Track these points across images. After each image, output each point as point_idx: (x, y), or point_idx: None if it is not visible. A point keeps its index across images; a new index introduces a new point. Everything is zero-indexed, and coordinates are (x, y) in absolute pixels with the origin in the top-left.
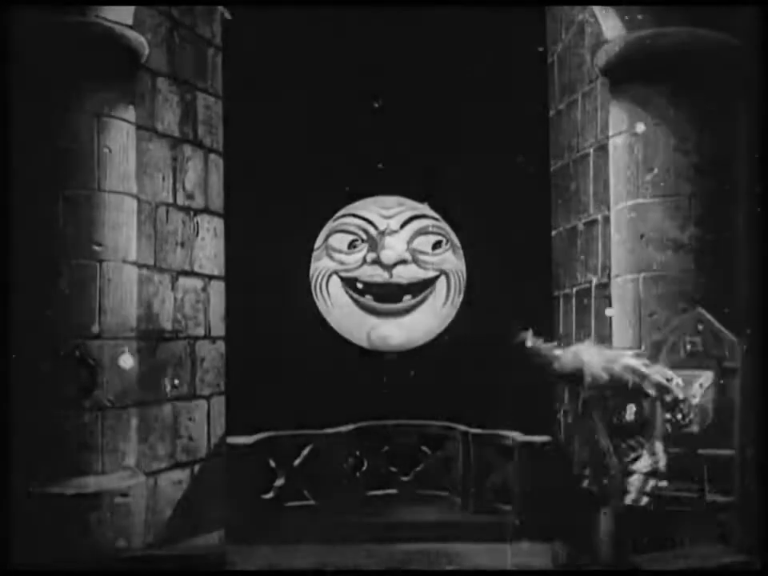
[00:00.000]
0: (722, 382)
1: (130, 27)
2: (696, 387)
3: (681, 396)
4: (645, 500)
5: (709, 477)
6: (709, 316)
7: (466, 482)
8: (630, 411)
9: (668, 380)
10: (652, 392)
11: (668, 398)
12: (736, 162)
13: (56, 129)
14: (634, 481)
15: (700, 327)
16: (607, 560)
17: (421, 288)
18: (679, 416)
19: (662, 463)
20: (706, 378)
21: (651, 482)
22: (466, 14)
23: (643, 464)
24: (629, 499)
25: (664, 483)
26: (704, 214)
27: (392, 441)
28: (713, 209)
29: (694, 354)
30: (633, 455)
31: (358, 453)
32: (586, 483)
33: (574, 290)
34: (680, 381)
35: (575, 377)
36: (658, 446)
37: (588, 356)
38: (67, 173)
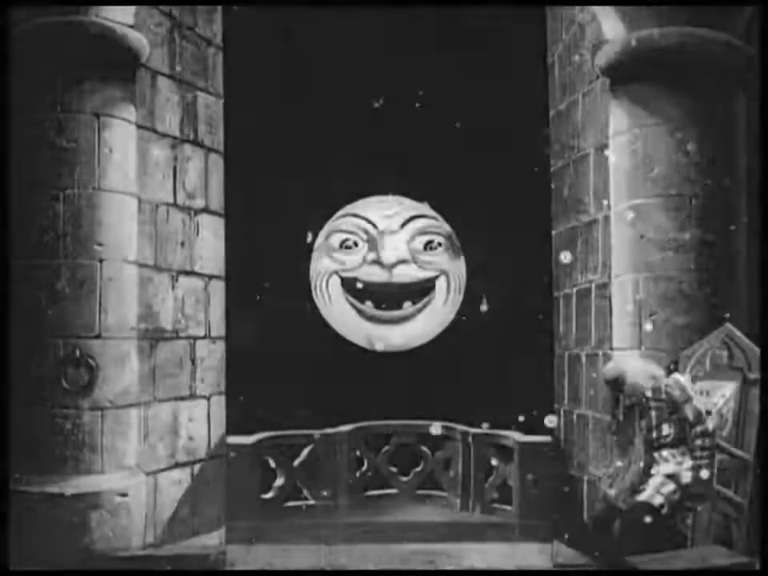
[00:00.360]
0: (743, 392)
1: (131, 27)
2: (718, 397)
3: (710, 429)
4: (659, 500)
5: (721, 479)
6: (738, 332)
7: (465, 482)
8: (669, 426)
9: (707, 412)
10: (690, 416)
11: (699, 428)
12: (736, 161)
13: (57, 128)
14: (653, 481)
15: (728, 343)
16: (607, 559)
17: (420, 292)
18: (699, 443)
19: (685, 477)
20: (729, 388)
21: (670, 486)
22: (467, 15)
23: (667, 468)
24: (644, 496)
25: (677, 496)
26: (704, 214)
27: (392, 441)
28: (713, 209)
29: (718, 367)
30: (663, 464)
31: (358, 453)
32: (608, 488)
33: (575, 290)
34: (712, 420)
35: (617, 384)
36: (687, 463)
37: (630, 365)
38: (68, 172)
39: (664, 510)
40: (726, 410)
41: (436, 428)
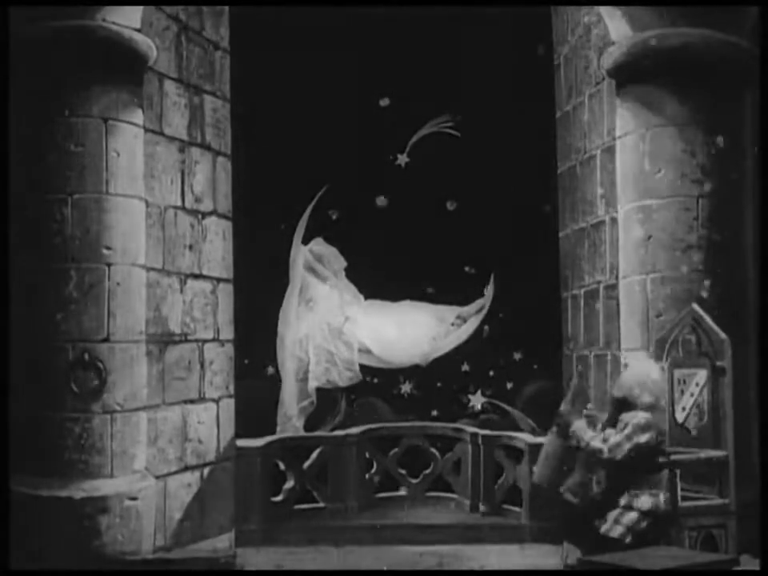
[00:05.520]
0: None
1: (138, 31)
2: (693, 386)
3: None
4: (619, 530)
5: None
6: (702, 313)
7: (475, 483)
8: None
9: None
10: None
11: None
12: (743, 162)
13: (64, 132)
14: (611, 514)
15: (695, 326)
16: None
17: None
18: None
19: (644, 504)
20: (701, 377)
21: (631, 515)
22: (471, 15)
23: (623, 501)
24: (604, 529)
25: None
26: (711, 215)
27: (401, 443)
28: (720, 209)
29: (689, 353)
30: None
31: (367, 455)
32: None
33: (582, 291)
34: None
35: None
36: (644, 493)
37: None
38: (76, 176)
39: (628, 540)
40: (701, 401)
41: None
